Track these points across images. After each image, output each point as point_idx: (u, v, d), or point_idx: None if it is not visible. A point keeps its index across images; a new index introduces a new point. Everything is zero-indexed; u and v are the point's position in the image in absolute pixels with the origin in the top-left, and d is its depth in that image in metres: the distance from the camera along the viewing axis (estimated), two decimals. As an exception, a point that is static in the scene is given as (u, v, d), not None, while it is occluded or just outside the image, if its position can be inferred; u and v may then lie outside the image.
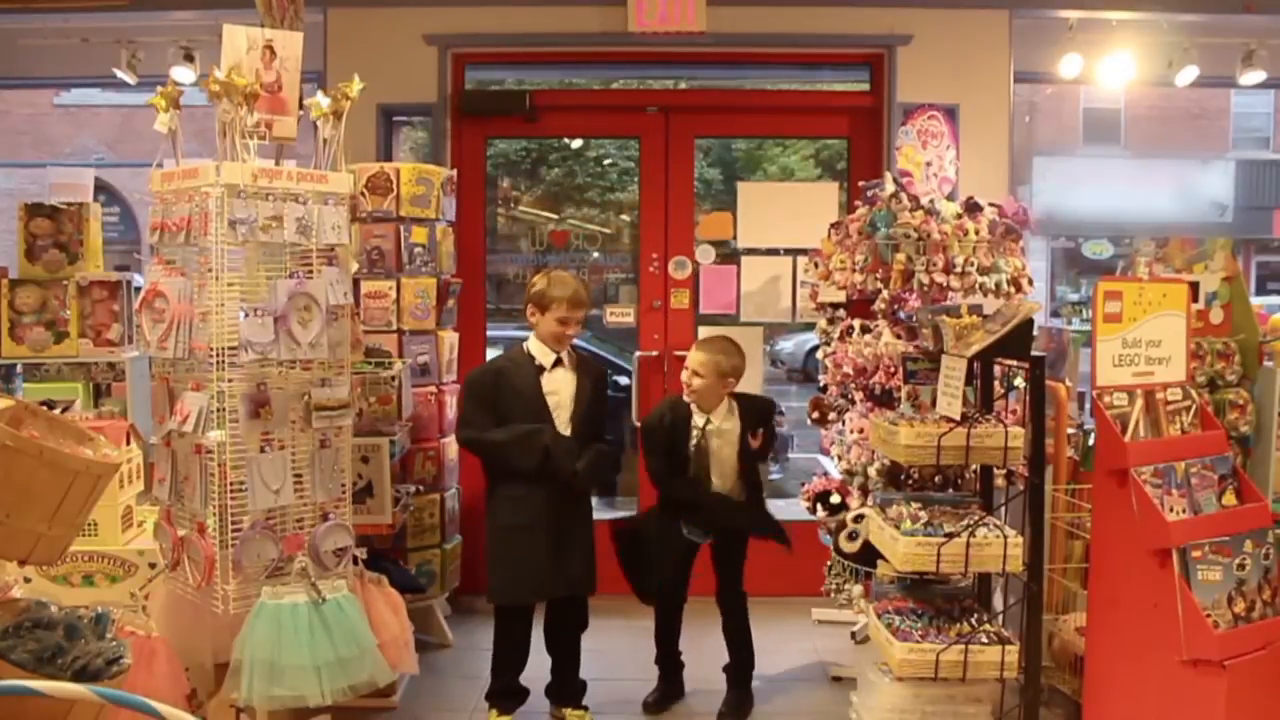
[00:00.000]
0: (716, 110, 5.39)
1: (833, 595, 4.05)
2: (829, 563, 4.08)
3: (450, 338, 4.68)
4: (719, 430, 3.81)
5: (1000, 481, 3.56)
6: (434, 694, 3.98)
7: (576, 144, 7.65)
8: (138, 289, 3.60)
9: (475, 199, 5.17)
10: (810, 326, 4.79)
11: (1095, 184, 16.25)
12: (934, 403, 3.43)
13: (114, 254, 11.07)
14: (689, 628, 4.00)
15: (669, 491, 3.85)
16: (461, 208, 4.93)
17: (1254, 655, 2.75)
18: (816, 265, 4.19)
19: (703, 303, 5.17)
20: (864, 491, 3.90)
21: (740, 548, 3.90)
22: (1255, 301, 4.17)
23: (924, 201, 3.74)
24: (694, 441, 3.78)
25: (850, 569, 3.91)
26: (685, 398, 3.82)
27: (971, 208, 3.74)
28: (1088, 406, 3.78)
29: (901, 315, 3.96)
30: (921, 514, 3.22)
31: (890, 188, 3.74)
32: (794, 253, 5.04)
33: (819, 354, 4.42)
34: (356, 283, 4.29)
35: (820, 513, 4.09)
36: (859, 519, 3.81)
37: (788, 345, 12.38)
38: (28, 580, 3.07)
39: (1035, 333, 3.29)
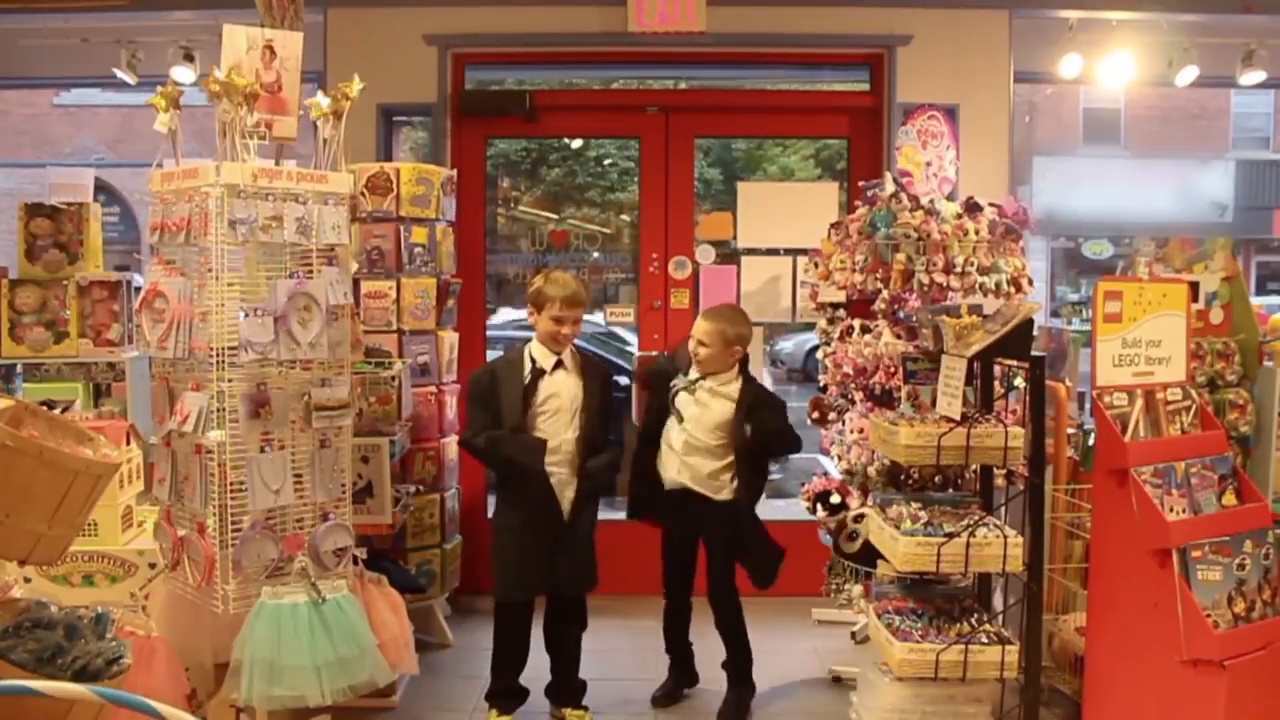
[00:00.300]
0: (716, 110, 5.39)
1: (833, 595, 4.05)
2: (829, 563, 4.09)
3: (450, 338, 4.68)
4: (701, 397, 3.73)
5: (1000, 481, 3.56)
6: (434, 694, 3.98)
7: (576, 144, 7.64)
8: (138, 289, 3.60)
9: (475, 199, 5.17)
10: (810, 326, 4.79)
11: (1095, 184, 16.23)
12: (934, 403, 3.43)
13: (114, 254, 11.09)
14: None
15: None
16: (461, 208, 4.93)
17: (1254, 655, 2.75)
18: (816, 265, 4.19)
19: (703, 303, 5.14)
20: (864, 491, 3.90)
21: (718, 542, 3.80)
22: (1255, 301, 4.17)
23: (924, 201, 3.74)
24: (671, 395, 3.78)
25: (850, 569, 3.92)
26: (693, 367, 3.79)
27: (971, 208, 3.74)
28: (1088, 406, 3.78)
29: (901, 315, 3.96)
30: (921, 514, 3.22)
31: (890, 188, 3.74)
32: (794, 253, 5.04)
33: (819, 354, 4.42)
34: (356, 283, 4.29)
35: (820, 513, 4.09)
36: (859, 519, 3.81)
37: (788, 345, 12.40)
38: (28, 580, 3.08)
39: (1035, 333, 3.28)
